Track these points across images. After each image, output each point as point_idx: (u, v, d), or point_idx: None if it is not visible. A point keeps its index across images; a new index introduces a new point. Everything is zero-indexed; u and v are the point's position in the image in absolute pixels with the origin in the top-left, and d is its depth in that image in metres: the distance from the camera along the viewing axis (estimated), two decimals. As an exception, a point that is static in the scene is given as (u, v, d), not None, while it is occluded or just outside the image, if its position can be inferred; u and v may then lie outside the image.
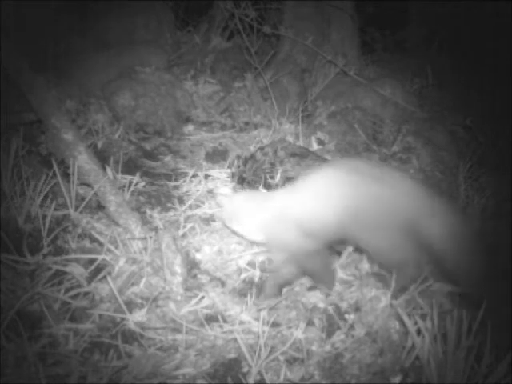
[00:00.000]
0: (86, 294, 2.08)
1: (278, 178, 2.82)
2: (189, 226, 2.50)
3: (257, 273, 2.31)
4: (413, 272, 2.07)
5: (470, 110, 3.77)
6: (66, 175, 2.52)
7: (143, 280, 2.17)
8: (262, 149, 3.05)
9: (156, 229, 2.45)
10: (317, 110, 3.77)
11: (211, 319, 2.04)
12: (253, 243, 2.36)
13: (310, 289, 2.20)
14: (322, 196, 2.00)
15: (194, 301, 2.10)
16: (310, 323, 2.03)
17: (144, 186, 2.81)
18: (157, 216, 2.58)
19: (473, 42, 4.10)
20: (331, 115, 3.65)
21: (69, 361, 1.78)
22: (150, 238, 2.30)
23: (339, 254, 2.37)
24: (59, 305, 2.01)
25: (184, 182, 2.92)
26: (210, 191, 2.85)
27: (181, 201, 2.73)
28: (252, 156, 3.01)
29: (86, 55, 3.64)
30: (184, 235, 2.46)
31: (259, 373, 1.79)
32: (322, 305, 2.13)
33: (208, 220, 2.63)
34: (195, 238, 2.47)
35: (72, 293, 2.05)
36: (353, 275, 2.30)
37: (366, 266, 2.32)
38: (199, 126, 3.64)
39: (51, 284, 2.06)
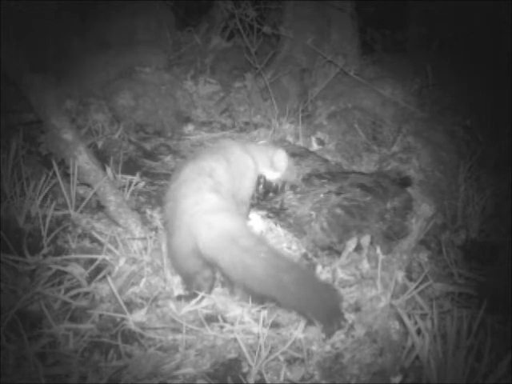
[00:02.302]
0: (86, 294, 2.08)
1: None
2: (189, 226, 2.50)
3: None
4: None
5: (470, 110, 3.77)
6: (66, 175, 2.52)
7: (143, 280, 2.17)
8: (262, 149, 3.05)
9: (156, 229, 2.45)
10: (317, 110, 3.77)
11: (211, 319, 2.04)
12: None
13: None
14: None
15: (194, 301, 2.09)
16: (309, 323, 2.03)
17: (144, 186, 2.81)
18: (157, 216, 2.58)
19: (473, 42, 4.09)
20: (331, 115, 3.64)
21: (69, 361, 1.78)
22: (150, 238, 2.30)
23: (339, 254, 2.38)
24: (59, 305, 2.01)
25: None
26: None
27: (181, 201, 2.73)
28: (252, 156, 3.00)
29: (86, 55, 3.64)
30: (184, 235, 2.46)
31: (259, 373, 1.79)
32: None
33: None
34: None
35: (72, 293, 2.05)
36: (353, 275, 2.30)
37: (366, 266, 2.32)
38: (199, 126, 3.64)
39: (51, 284, 2.06)
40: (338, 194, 2.56)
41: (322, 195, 2.57)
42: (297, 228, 2.48)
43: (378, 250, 2.24)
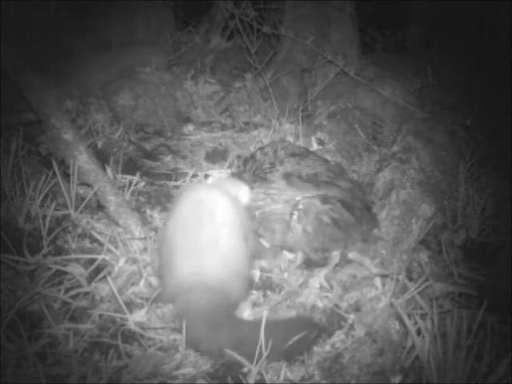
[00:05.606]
0: (86, 294, 2.08)
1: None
2: (189, 226, 2.50)
3: (257, 273, 2.31)
4: None
5: (470, 109, 3.77)
6: (66, 175, 2.52)
7: (143, 280, 2.17)
8: (261, 149, 3.04)
9: (156, 229, 2.45)
10: (317, 110, 3.76)
11: (211, 319, 2.04)
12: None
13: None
14: None
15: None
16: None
17: (144, 186, 2.82)
18: (157, 216, 2.58)
19: (473, 42, 4.09)
20: (331, 115, 3.64)
21: (69, 361, 1.78)
22: (150, 238, 2.30)
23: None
24: (59, 305, 2.01)
25: (184, 181, 2.92)
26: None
27: (181, 201, 2.73)
28: (252, 156, 3.00)
29: (86, 55, 3.64)
30: (184, 235, 2.45)
31: (259, 373, 1.79)
32: (321, 304, 2.13)
33: (208, 220, 2.62)
34: (195, 238, 2.46)
35: (72, 293, 2.05)
36: (353, 275, 2.30)
37: (365, 265, 2.32)
38: (199, 126, 3.64)
39: (51, 284, 2.06)
40: (324, 202, 2.43)
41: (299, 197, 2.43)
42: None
43: (378, 250, 2.24)
